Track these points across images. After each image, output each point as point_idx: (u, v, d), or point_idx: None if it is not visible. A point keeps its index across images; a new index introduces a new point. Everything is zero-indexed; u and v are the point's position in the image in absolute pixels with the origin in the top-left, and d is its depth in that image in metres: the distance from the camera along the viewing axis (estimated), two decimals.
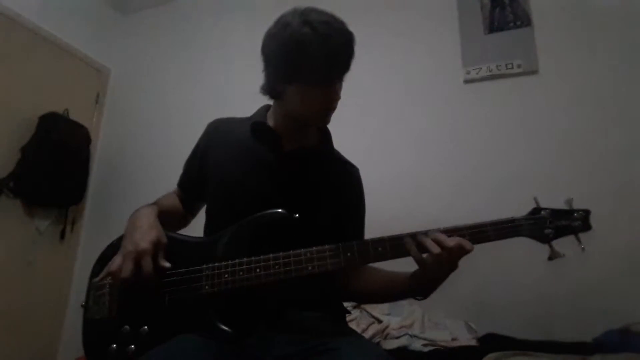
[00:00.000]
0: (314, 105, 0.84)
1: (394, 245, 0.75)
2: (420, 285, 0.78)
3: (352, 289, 0.90)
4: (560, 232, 0.74)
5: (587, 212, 0.74)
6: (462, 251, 0.70)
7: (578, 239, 0.74)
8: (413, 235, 0.74)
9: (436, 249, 0.70)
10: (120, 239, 0.84)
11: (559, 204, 0.76)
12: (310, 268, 0.74)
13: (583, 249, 0.72)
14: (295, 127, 0.90)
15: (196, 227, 0.99)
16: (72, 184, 2.26)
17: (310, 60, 0.77)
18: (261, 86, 0.88)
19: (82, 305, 0.86)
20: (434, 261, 0.71)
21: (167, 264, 0.79)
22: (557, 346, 1.19)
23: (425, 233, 0.73)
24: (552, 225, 0.74)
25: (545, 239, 0.74)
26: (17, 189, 2.02)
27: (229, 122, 1.01)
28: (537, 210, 0.75)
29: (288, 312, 0.81)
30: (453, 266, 0.73)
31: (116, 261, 0.78)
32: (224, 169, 0.91)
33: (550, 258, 0.73)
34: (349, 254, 0.75)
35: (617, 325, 1.20)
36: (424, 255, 0.73)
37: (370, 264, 0.84)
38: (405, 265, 0.78)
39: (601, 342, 1.19)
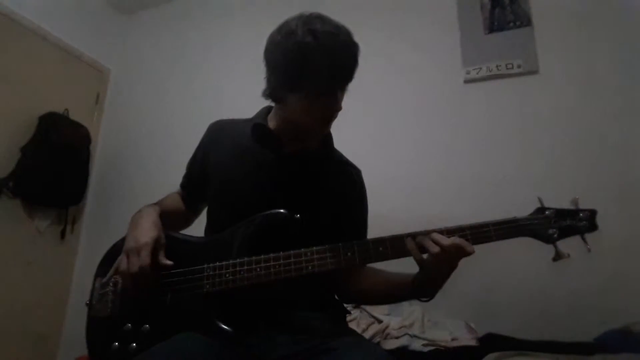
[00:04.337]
0: (314, 115, 0.84)
1: (395, 245, 0.75)
2: (423, 286, 0.77)
3: (354, 289, 0.90)
4: (565, 233, 0.73)
5: (593, 212, 0.73)
6: (460, 251, 0.70)
7: (584, 240, 0.72)
8: (413, 236, 0.74)
9: (434, 249, 0.70)
10: (124, 240, 0.84)
11: (559, 204, 0.75)
12: (310, 268, 0.75)
13: (589, 249, 0.71)
14: (295, 131, 0.90)
15: (198, 228, 0.99)
16: (72, 184, 2.26)
17: (312, 71, 0.77)
18: (263, 91, 0.89)
19: (86, 304, 0.86)
20: (432, 260, 0.72)
21: (169, 262, 0.80)
22: (557, 346, 1.19)
23: (425, 233, 0.73)
24: (557, 225, 0.73)
25: (550, 239, 0.73)
26: (17, 189, 2.02)
27: (230, 124, 1.01)
28: (541, 209, 0.74)
29: (288, 312, 0.81)
30: (452, 266, 0.73)
31: (121, 260, 0.79)
32: (225, 171, 0.92)
33: (555, 259, 0.72)
34: (349, 254, 0.75)
35: (617, 325, 1.20)
36: (424, 256, 0.73)
37: (372, 266, 0.84)
38: (409, 266, 0.77)
39: (601, 342, 1.18)
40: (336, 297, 0.94)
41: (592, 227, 0.72)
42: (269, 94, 0.88)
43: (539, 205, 0.75)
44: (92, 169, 2.44)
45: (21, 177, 2.02)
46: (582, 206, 0.74)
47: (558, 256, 0.72)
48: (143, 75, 2.63)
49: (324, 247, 0.76)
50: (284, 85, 0.82)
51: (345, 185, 0.95)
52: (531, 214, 0.75)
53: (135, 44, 2.73)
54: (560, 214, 0.73)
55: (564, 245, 0.73)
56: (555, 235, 0.72)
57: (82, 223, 2.45)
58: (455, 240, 0.71)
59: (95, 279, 0.87)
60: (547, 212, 0.74)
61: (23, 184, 2.03)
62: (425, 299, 0.79)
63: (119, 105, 2.64)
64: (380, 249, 0.75)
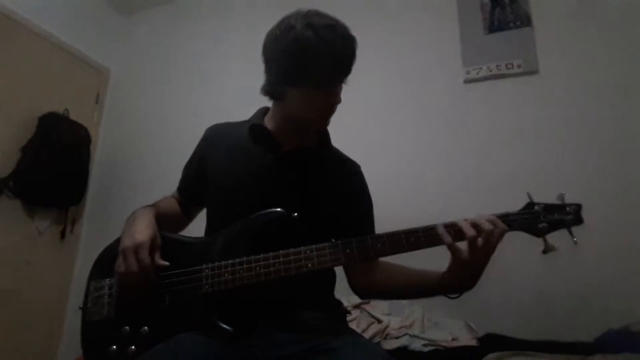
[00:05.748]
0: (315, 108, 0.85)
1: (392, 241, 0.75)
2: (456, 279, 0.74)
3: (377, 286, 0.88)
4: (553, 226, 0.75)
5: (578, 206, 0.75)
6: (496, 230, 0.70)
7: (571, 233, 0.75)
8: (407, 232, 0.74)
9: (471, 232, 0.70)
10: (118, 241, 0.84)
11: (553, 200, 0.77)
12: (309, 265, 0.75)
13: (576, 242, 0.73)
14: (294, 128, 0.90)
15: (197, 229, 0.99)
16: (72, 184, 2.26)
17: (312, 64, 0.78)
18: (262, 87, 0.89)
19: (80, 308, 0.85)
20: (469, 246, 0.70)
21: (165, 263, 0.80)
22: (557, 346, 1.19)
23: (416, 230, 0.74)
24: (546, 219, 0.75)
25: (540, 233, 0.75)
26: (17, 189, 2.02)
27: (227, 126, 1.01)
28: (530, 205, 0.77)
29: (288, 312, 0.81)
30: (489, 250, 0.71)
31: (117, 261, 0.78)
32: (223, 173, 0.91)
33: (544, 251, 0.74)
34: (348, 251, 0.76)
35: (617, 325, 1.20)
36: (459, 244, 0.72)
37: (391, 261, 0.84)
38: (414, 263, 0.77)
39: (601, 342, 1.19)
40: (354, 293, 0.93)
41: (578, 220, 0.75)
42: (268, 90, 0.88)
43: (529, 200, 0.77)
44: (92, 169, 2.44)
45: (21, 177, 2.02)
46: (582, 206, 0.76)
47: (547, 249, 0.74)
48: (143, 75, 2.63)
49: (323, 244, 0.76)
50: (284, 80, 0.83)
51: (345, 182, 0.95)
52: (522, 209, 0.77)
53: (135, 44, 2.73)
54: (549, 208, 0.76)
55: (556, 241, 0.75)
56: (545, 229, 0.75)
57: (82, 223, 2.45)
58: (490, 217, 0.71)
59: (89, 282, 0.86)
60: (536, 207, 0.76)
61: (23, 184, 2.03)
62: (454, 296, 0.77)
63: (119, 105, 2.64)
64: (379, 245, 0.75)
